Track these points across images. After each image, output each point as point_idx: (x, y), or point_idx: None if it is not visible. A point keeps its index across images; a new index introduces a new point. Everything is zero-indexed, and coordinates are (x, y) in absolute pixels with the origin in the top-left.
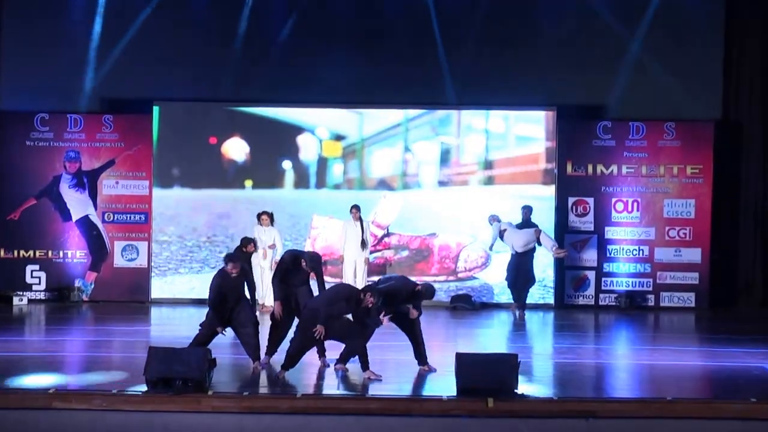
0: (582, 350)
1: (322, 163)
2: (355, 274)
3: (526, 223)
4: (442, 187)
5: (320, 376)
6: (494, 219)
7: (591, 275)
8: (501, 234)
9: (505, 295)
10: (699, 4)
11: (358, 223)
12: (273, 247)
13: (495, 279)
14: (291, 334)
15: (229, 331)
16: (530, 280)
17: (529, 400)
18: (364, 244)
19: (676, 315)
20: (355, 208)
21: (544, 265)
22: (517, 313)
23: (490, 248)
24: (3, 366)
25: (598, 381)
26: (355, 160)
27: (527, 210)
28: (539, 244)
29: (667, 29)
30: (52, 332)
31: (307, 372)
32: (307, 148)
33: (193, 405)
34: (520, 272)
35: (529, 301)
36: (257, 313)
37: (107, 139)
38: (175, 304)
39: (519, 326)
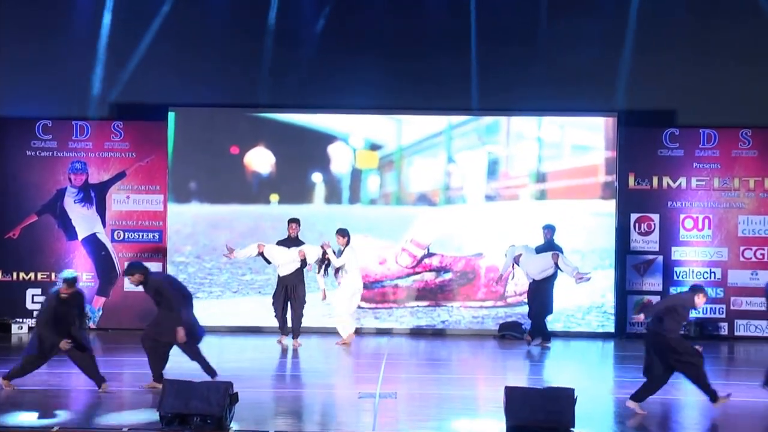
0: None
1: (356, 175)
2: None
3: (549, 245)
4: (489, 201)
5: (357, 412)
6: (548, 229)
7: (656, 300)
8: (516, 259)
9: (560, 323)
10: None
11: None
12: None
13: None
14: None
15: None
16: (546, 309)
17: None
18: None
19: (753, 345)
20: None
21: (603, 289)
22: (534, 342)
23: (499, 279)
24: (0, 401)
25: (665, 419)
26: (393, 173)
27: (549, 230)
28: (559, 269)
29: (744, 25)
30: (55, 363)
31: (342, 407)
32: (340, 159)
33: None
34: (536, 301)
35: (586, 329)
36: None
37: (117, 148)
38: None
39: (573, 357)
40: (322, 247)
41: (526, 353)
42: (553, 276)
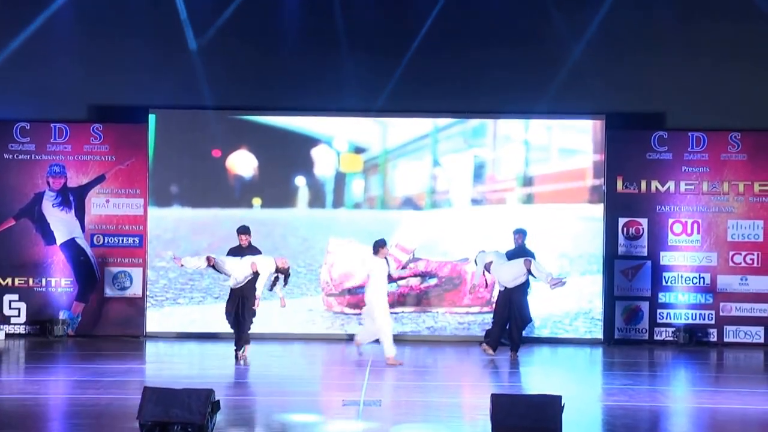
0: (635, 392)
1: (340, 179)
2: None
3: (520, 250)
4: (476, 205)
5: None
6: (519, 233)
7: (644, 306)
8: (487, 266)
9: (547, 329)
10: None
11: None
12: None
13: (536, 311)
14: None
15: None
16: (525, 319)
17: None
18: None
19: (743, 352)
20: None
21: (591, 294)
22: (510, 355)
23: (471, 288)
24: None
25: (653, 427)
26: (378, 176)
27: (521, 234)
28: (532, 275)
29: (734, 26)
30: (33, 371)
31: (326, 415)
32: (323, 163)
33: None
34: (512, 311)
35: (574, 335)
36: None
37: (96, 151)
38: (174, 339)
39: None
40: (276, 261)
41: (512, 361)
42: (526, 283)
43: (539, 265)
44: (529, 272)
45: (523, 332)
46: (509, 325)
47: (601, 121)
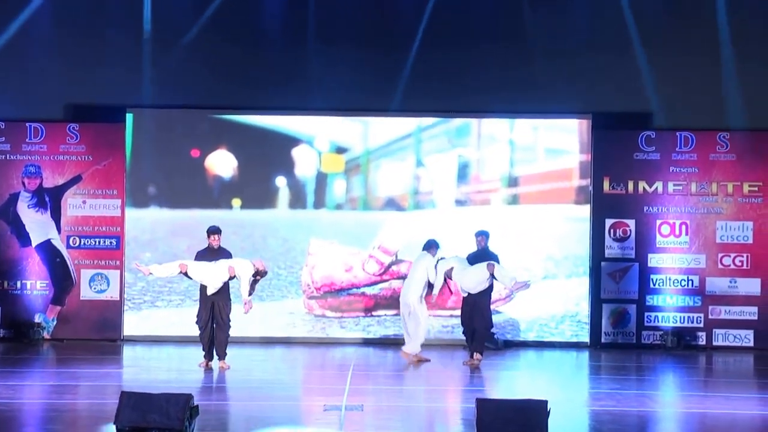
0: (622, 396)
1: (322, 179)
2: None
3: (483, 253)
4: (460, 206)
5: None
6: (482, 235)
7: (632, 309)
8: (448, 273)
9: (533, 332)
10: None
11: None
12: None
13: (521, 314)
14: None
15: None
16: (489, 325)
17: None
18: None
19: (732, 356)
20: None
21: (577, 297)
22: (474, 355)
23: (433, 298)
24: None
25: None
26: (360, 176)
27: (484, 236)
28: (495, 280)
29: (723, 25)
30: (7, 376)
31: (306, 420)
32: (304, 163)
33: None
34: (476, 316)
35: (560, 338)
36: None
37: (73, 151)
38: (152, 342)
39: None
40: (254, 264)
41: (497, 364)
42: (490, 287)
43: (502, 269)
44: (493, 276)
45: (485, 337)
46: (472, 330)
47: (588, 120)
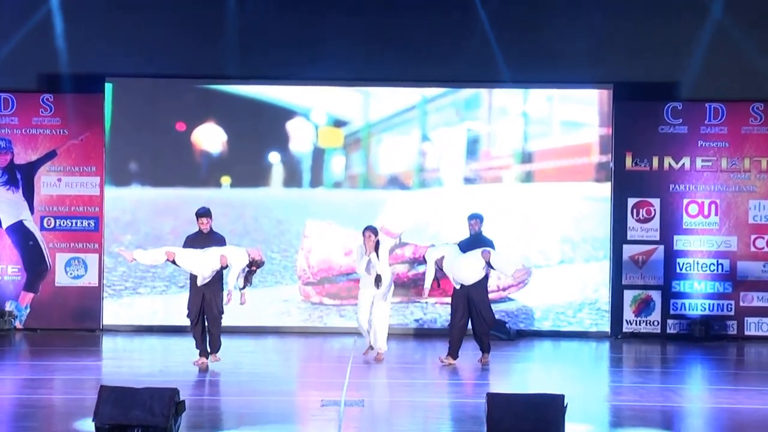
0: (645, 390)
1: (318, 155)
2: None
3: (476, 239)
4: (469, 184)
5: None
6: (475, 219)
7: (656, 296)
8: (439, 263)
9: (549, 321)
10: None
11: (374, 254)
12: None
13: (536, 301)
14: None
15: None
16: (490, 323)
17: None
18: (378, 280)
19: (765, 346)
20: (370, 231)
21: (597, 283)
22: (480, 357)
23: (426, 293)
24: None
25: (666, 429)
26: (360, 152)
27: (477, 220)
28: (492, 268)
29: None
30: None
31: (303, 416)
32: (300, 137)
33: None
34: (473, 312)
35: (578, 328)
36: None
37: (47, 124)
38: (134, 332)
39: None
40: (249, 253)
41: (509, 356)
42: (485, 278)
43: (500, 255)
44: (489, 265)
45: (491, 332)
46: (473, 329)
47: (609, 90)
